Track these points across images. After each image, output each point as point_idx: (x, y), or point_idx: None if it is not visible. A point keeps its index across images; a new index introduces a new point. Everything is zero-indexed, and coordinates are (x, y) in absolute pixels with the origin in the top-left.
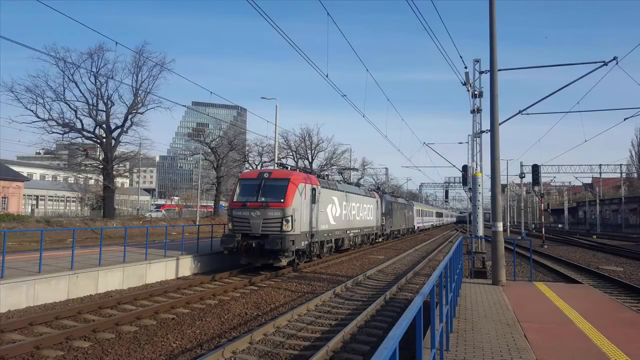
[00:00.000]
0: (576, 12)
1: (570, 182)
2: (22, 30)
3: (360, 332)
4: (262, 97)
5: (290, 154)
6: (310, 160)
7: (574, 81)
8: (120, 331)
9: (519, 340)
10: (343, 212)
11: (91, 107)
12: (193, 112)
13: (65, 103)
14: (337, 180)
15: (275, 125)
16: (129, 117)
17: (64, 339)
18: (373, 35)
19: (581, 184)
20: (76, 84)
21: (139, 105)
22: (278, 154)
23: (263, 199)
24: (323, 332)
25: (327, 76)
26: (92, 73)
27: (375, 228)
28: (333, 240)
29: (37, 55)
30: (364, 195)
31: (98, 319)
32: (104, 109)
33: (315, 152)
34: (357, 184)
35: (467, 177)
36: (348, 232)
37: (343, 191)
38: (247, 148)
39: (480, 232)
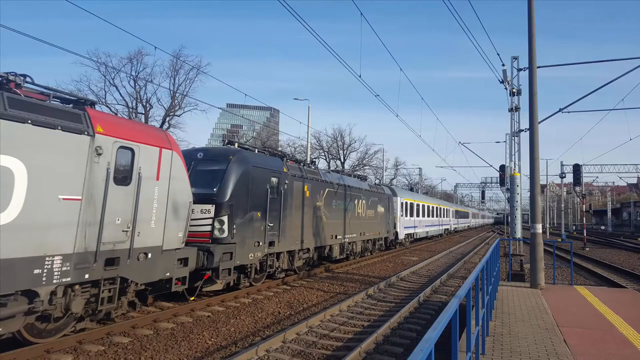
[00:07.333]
0: (621, 6)
1: (613, 182)
2: (67, 36)
3: (393, 334)
4: (294, 98)
5: (323, 154)
6: (342, 161)
7: (619, 77)
8: (158, 328)
9: (558, 346)
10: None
11: (131, 110)
12: (227, 114)
13: (107, 106)
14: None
15: (308, 126)
16: (167, 119)
17: (105, 334)
18: (407, 34)
19: (625, 184)
20: (116, 87)
21: (176, 108)
22: (310, 155)
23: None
24: (355, 333)
25: (360, 76)
26: (131, 77)
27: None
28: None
29: (80, 60)
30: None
31: (137, 316)
32: (143, 112)
33: (348, 152)
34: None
35: (504, 177)
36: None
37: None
38: (279, 149)
39: (519, 234)
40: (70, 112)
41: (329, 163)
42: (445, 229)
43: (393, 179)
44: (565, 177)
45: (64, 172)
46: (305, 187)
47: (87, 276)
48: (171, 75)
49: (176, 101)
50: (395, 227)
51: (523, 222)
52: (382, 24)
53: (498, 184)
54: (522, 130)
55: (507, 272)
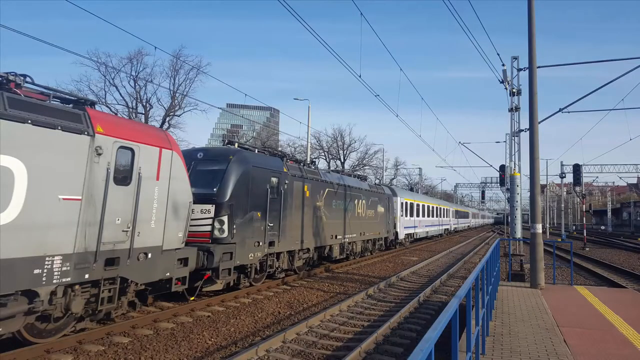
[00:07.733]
0: (621, 6)
1: (613, 182)
2: (67, 36)
3: (393, 334)
4: (294, 98)
5: (323, 154)
6: (342, 161)
7: (619, 77)
8: (158, 328)
9: (558, 346)
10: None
11: (131, 110)
12: (227, 114)
13: (107, 106)
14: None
15: (308, 126)
16: (167, 119)
17: (105, 334)
18: (407, 34)
19: (625, 184)
20: (116, 87)
21: (176, 108)
22: (310, 155)
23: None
24: (355, 333)
25: (360, 76)
26: (131, 77)
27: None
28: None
29: (80, 60)
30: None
31: (137, 316)
32: (143, 112)
33: (348, 152)
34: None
35: (504, 177)
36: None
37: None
38: (280, 149)
39: (519, 234)
40: (70, 112)
41: (329, 163)
42: (445, 229)
43: (393, 179)
44: (565, 177)
45: (64, 172)
46: (305, 187)
47: (87, 276)
48: (171, 75)
49: (176, 101)
50: (395, 227)
51: (523, 222)
52: (382, 24)
53: (498, 184)
54: (522, 130)
55: (507, 272)
